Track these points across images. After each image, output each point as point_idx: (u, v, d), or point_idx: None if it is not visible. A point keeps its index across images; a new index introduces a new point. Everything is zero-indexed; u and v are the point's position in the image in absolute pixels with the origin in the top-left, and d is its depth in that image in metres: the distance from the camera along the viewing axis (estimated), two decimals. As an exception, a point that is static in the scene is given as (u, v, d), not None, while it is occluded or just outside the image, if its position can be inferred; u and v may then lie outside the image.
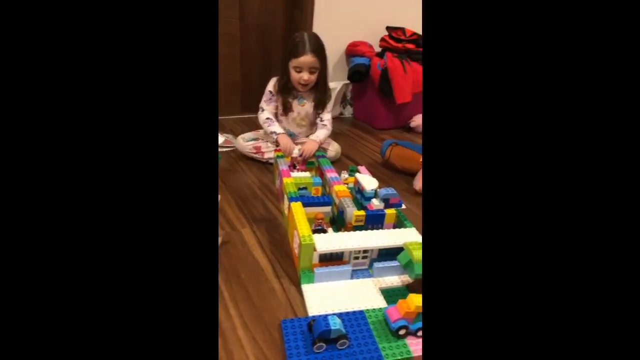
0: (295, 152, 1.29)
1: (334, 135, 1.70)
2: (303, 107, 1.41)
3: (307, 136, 1.43)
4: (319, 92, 1.40)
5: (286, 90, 1.38)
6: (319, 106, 1.42)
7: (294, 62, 1.31)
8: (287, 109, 1.41)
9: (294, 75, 1.33)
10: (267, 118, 1.39)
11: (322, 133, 1.38)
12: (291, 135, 1.43)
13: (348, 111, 2.11)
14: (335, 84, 1.98)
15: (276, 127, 1.36)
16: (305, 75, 1.32)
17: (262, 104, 1.42)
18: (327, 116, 1.44)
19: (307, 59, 1.29)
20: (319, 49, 1.31)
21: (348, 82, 1.97)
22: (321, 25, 1.85)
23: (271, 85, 1.41)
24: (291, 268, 0.86)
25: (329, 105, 1.45)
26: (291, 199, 0.94)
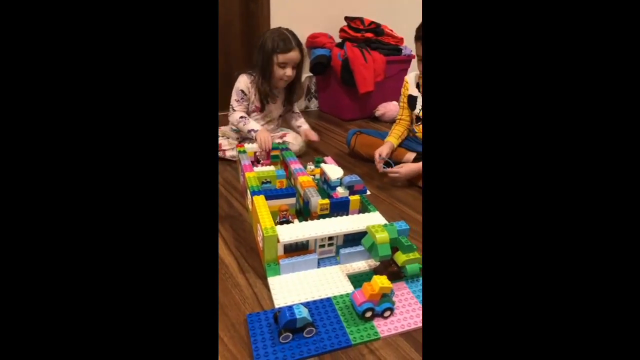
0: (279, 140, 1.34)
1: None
2: (274, 104, 1.42)
3: (277, 129, 1.48)
4: (293, 89, 1.40)
5: (265, 90, 1.35)
6: (291, 102, 1.44)
7: (280, 58, 1.28)
8: (263, 107, 1.39)
9: (278, 71, 1.30)
10: (241, 117, 1.34)
11: (304, 122, 1.48)
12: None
13: (314, 104, 2.10)
14: (298, 77, 1.97)
15: (253, 124, 1.33)
16: (289, 71, 1.30)
17: (233, 104, 1.37)
18: (296, 109, 1.50)
19: (295, 54, 1.28)
20: (300, 45, 1.31)
21: (311, 74, 1.96)
22: (279, 17, 1.83)
23: (243, 84, 1.35)
24: (257, 262, 0.84)
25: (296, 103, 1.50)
26: (253, 193, 0.92)
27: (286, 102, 1.44)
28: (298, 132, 1.47)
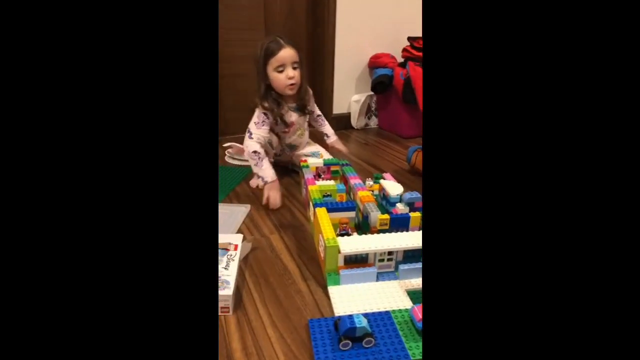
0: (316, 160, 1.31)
1: (361, 146, 1.73)
2: (299, 115, 1.34)
3: (306, 144, 1.45)
4: (301, 94, 1.28)
5: (275, 104, 1.23)
6: (303, 109, 1.32)
7: (273, 62, 1.16)
8: (285, 123, 1.30)
9: (278, 77, 1.18)
10: (254, 152, 1.17)
11: (330, 129, 1.46)
12: (292, 148, 1.40)
13: (373, 122, 2.13)
14: (359, 96, 2.02)
15: (265, 171, 1.17)
16: (290, 72, 1.18)
17: (252, 127, 1.21)
18: (318, 111, 1.44)
19: (287, 52, 1.16)
20: (294, 44, 1.19)
21: (372, 93, 2.00)
22: (344, 39, 1.91)
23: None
24: (317, 271, 0.88)
25: (313, 104, 1.41)
26: (316, 205, 0.97)
27: (299, 107, 1.32)
28: (326, 141, 1.44)
